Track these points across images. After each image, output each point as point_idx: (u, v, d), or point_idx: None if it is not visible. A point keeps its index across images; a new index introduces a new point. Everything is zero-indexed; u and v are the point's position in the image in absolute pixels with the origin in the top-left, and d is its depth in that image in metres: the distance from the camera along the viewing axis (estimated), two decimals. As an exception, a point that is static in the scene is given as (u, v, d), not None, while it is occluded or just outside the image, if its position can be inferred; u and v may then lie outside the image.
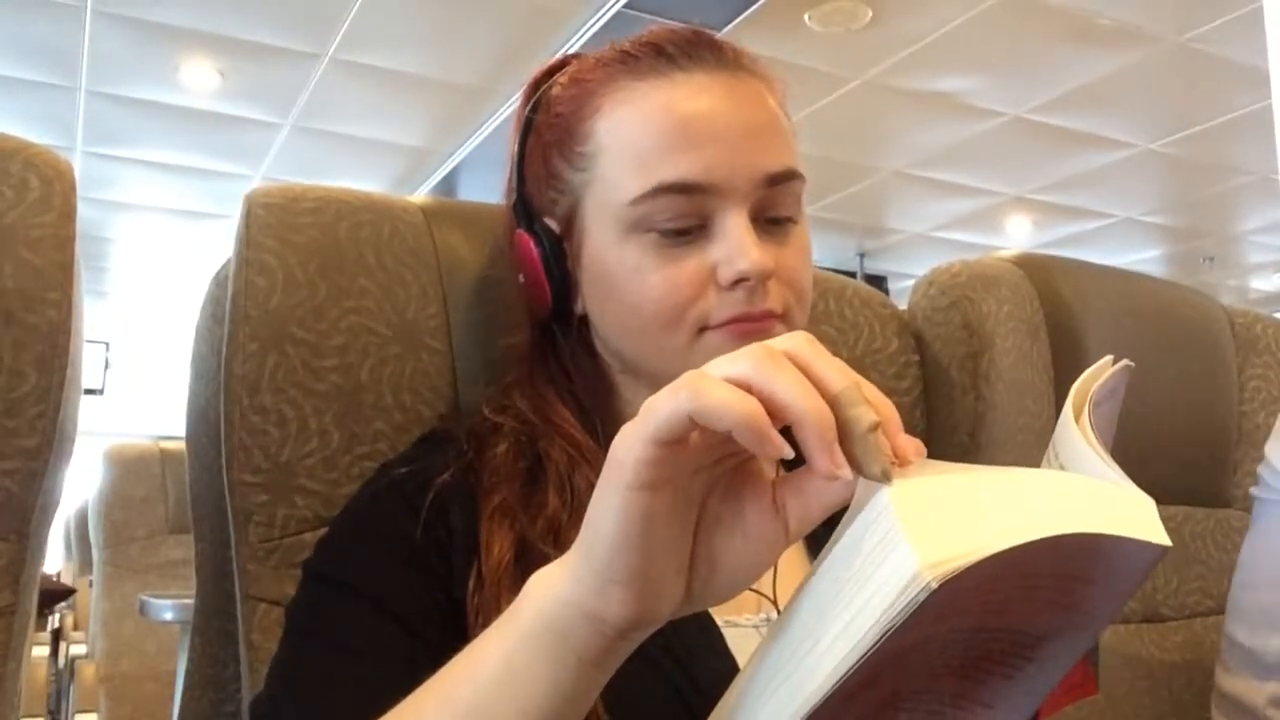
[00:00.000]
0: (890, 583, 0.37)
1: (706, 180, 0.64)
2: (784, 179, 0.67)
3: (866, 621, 0.38)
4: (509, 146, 0.76)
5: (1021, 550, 0.37)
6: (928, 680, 0.45)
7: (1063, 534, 0.38)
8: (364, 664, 0.60)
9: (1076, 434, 0.47)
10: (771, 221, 0.67)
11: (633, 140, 0.66)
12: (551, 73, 0.75)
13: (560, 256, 0.71)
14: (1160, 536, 0.40)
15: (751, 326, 0.65)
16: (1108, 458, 0.45)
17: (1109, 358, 0.54)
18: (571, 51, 0.78)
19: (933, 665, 0.44)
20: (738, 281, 0.64)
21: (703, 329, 0.66)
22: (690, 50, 0.68)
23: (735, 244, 0.64)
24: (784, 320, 0.67)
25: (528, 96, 0.75)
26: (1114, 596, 0.44)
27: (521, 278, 0.73)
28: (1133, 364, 0.55)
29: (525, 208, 0.73)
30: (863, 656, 0.38)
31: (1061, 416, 0.49)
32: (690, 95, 0.66)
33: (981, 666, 0.45)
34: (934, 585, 0.35)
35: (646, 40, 0.70)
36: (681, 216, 0.65)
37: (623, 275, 0.67)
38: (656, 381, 0.69)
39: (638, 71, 0.68)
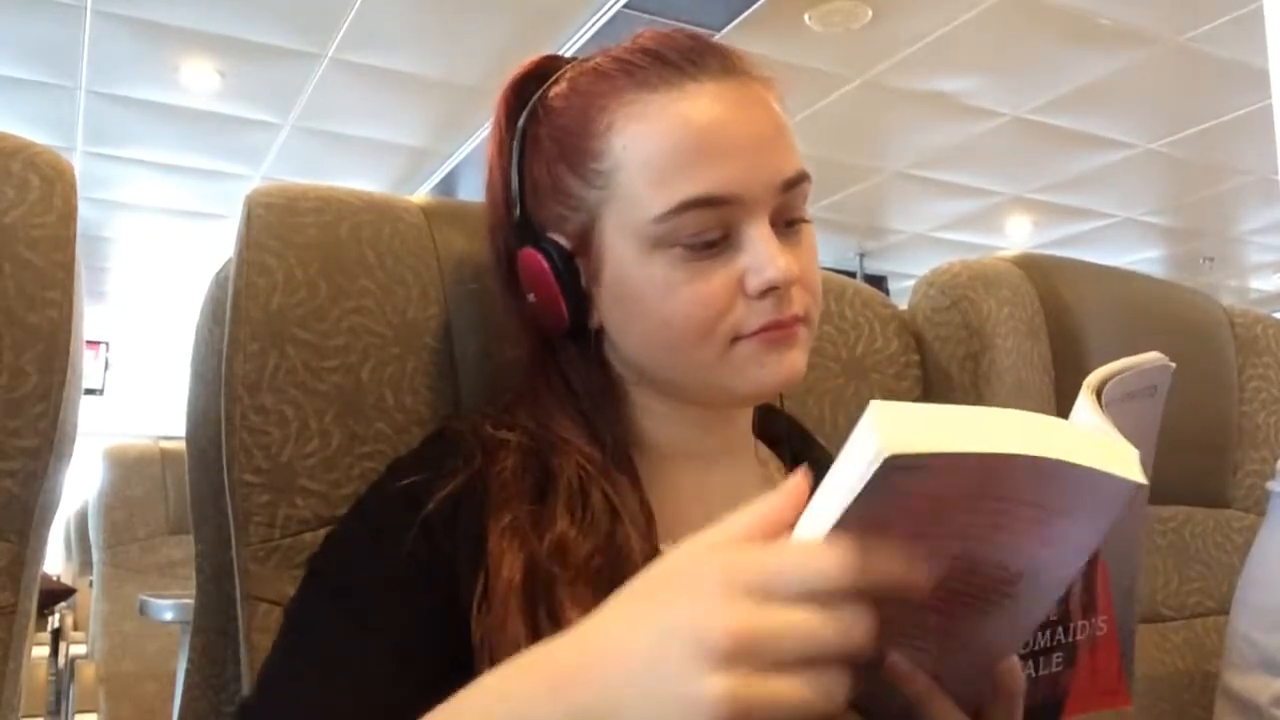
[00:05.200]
0: (856, 463, 0.40)
1: (730, 192, 0.65)
2: (798, 182, 0.68)
3: (836, 498, 0.41)
4: (490, 157, 0.75)
5: (990, 463, 0.41)
6: (914, 612, 0.47)
7: (1032, 455, 0.41)
8: (346, 680, 0.60)
9: (1082, 399, 0.50)
10: (787, 225, 0.68)
11: (652, 155, 0.66)
12: (536, 79, 0.74)
13: (573, 273, 0.70)
14: (1135, 475, 0.42)
15: (782, 333, 0.66)
16: (1105, 419, 0.49)
17: (1154, 353, 0.56)
18: (569, 53, 0.77)
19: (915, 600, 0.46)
20: (767, 290, 0.65)
21: (735, 339, 0.66)
22: (695, 58, 0.67)
23: (762, 253, 0.65)
24: (805, 323, 0.68)
25: (512, 104, 0.74)
26: (1089, 534, 0.46)
27: (531, 296, 0.72)
28: (1173, 364, 0.57)
29: (529, 224, 0.72)
30: (836, 520, 0.41)
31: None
32: (705, 107, 0.66)
33: (964, 603, 0.47)
34: (886, 454, 0.39)
35: (645, 48, 0.69)
36: (707, 230, 0.65)
37: (651, 291, 0.67)
38: (678, 392, 0.71)
39: (647, 83, 0.67)
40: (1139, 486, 0.42)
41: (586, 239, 0.69)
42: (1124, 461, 0.43)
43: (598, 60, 0.71)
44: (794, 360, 0.67)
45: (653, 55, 0.68)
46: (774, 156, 0.67)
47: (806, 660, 0.40)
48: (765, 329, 0.66)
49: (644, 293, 0.67)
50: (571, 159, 0.69)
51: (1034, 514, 0.44)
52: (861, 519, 0.41)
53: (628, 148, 0.67)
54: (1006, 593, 0.46)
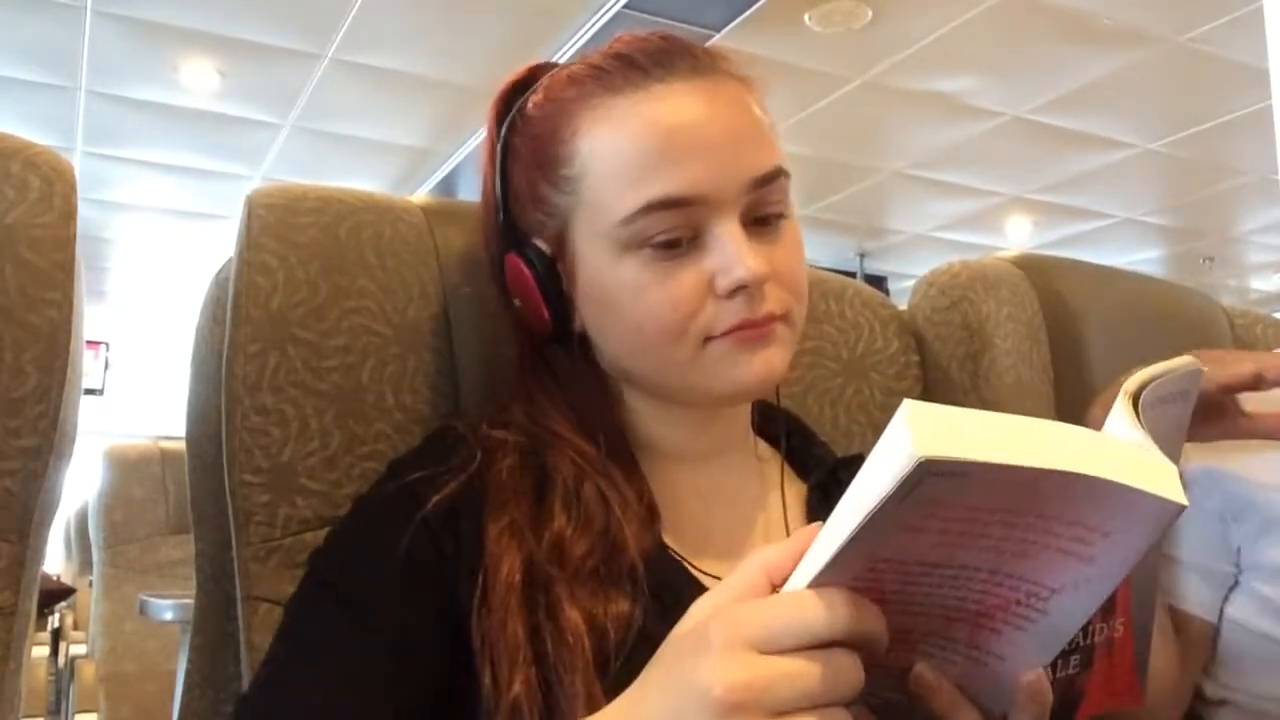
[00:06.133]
0: (886, 464, 0.39)
1: (695, 193, 0.64)
2: (771, 179, 0.67)
3: (867, 498, 0.40)
4: (482, 165, 0.75)
5: (1035, 478, 0.39)
6: (942, 623, 0.46)
7: (1080, 474, 0.39)
8: (344, 678, 0.61)
9: (1120, 406, 0.49)
10: (761, 221, 0.67)
11: (617, 159, 0.66)
12: (521, 88, 0.74)
13: (554, 278, 0.70)
14: (1178, 496, 0.41)
15: (755, 332, 0.66)
16: (1143, 429, 0.47)
17: (1186, 357, 0.55)
18: (569, 53, 0.77)
19: (948, 607, 0.45)
20: (736, 290, 0.65)
21: (707, 339, 0.66)
22: (663, 59, 0.67)
23: (730, 253, 0.64)
24: (785, 321, 0.68)
25: (499, 114, 0.74)
26: (1127, 554, 0.44)
27: (517, 301, 0.72)
28: (1205, 368, 0.56)
29: (513, 230, 0.72)
30: (862, 522, 0.40)
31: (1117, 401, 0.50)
32: (671, 108, 0.66)
33: (996, 616, 0.46)
34: (920, 457, 0.37)
35: (616, 51, 0.69)
36: (673, 230, 0.65)
37: (621, 295, 0.67)
38: (660, 392, 0.71)
39: (613, 86, 0.67)
40: (1182, 508, 0.41)
41: (563, 245, 0.70)
42: (1168, 483, 0.41)
43: (573, 67, 0.71)
44: (770, 358, 0.67)
45: (623, 59, 0.68)
46: (743, 154, 0.66)
47: (805, 704, 0.43)
48: (737, 328, 0.65)
49: (616, 296, 0.67)
50: (544, 166, 0.69)
51: (1074, 532, 0.42)
52: (890, 526, 0.40)
53: (594, 152, 0.67)
54: (1039, 609, 0.45)
